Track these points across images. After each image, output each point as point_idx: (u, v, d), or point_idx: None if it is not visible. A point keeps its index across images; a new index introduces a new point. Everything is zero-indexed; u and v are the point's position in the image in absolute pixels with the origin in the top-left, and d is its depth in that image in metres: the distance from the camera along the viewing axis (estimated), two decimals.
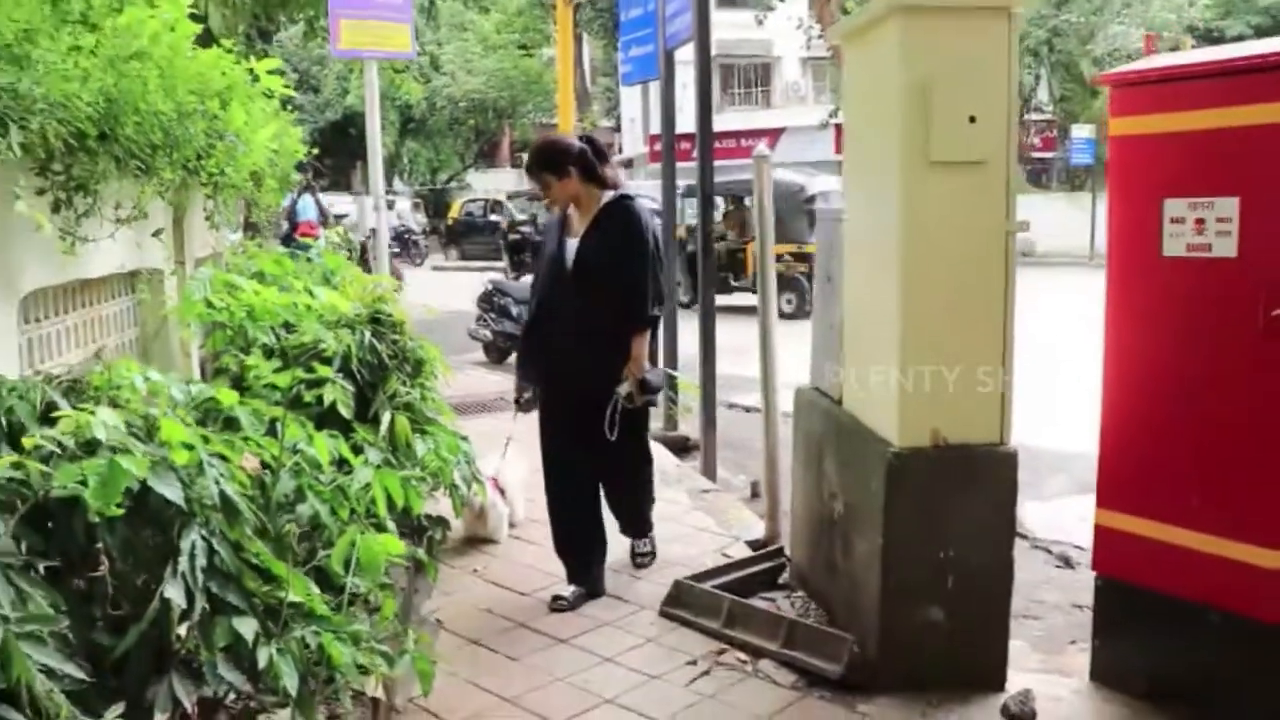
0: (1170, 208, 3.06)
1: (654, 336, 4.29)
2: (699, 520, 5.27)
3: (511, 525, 5.04)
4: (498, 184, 32.28)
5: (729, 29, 31.31)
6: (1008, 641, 3.41)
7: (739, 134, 25.62)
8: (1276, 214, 2.85)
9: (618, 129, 37.43)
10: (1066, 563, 5.11)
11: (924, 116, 3.12)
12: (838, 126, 27.95)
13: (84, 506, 2.28)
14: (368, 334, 4.50)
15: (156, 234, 3.76)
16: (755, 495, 6.24)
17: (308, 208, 12.08)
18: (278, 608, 2.64)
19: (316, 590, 2.71)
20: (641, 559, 4.57)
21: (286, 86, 4.24)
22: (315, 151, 6.45)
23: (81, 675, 2.09)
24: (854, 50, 3.61)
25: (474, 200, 27.36)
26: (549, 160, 3.99)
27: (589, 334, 4.05)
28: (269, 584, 2.66)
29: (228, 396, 2.94)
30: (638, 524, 4.61)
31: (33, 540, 2.24)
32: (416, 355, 4.68)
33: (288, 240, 10.90)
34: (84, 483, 2.23)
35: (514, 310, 11.00)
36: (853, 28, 3.59)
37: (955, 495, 3.28)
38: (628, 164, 39.21)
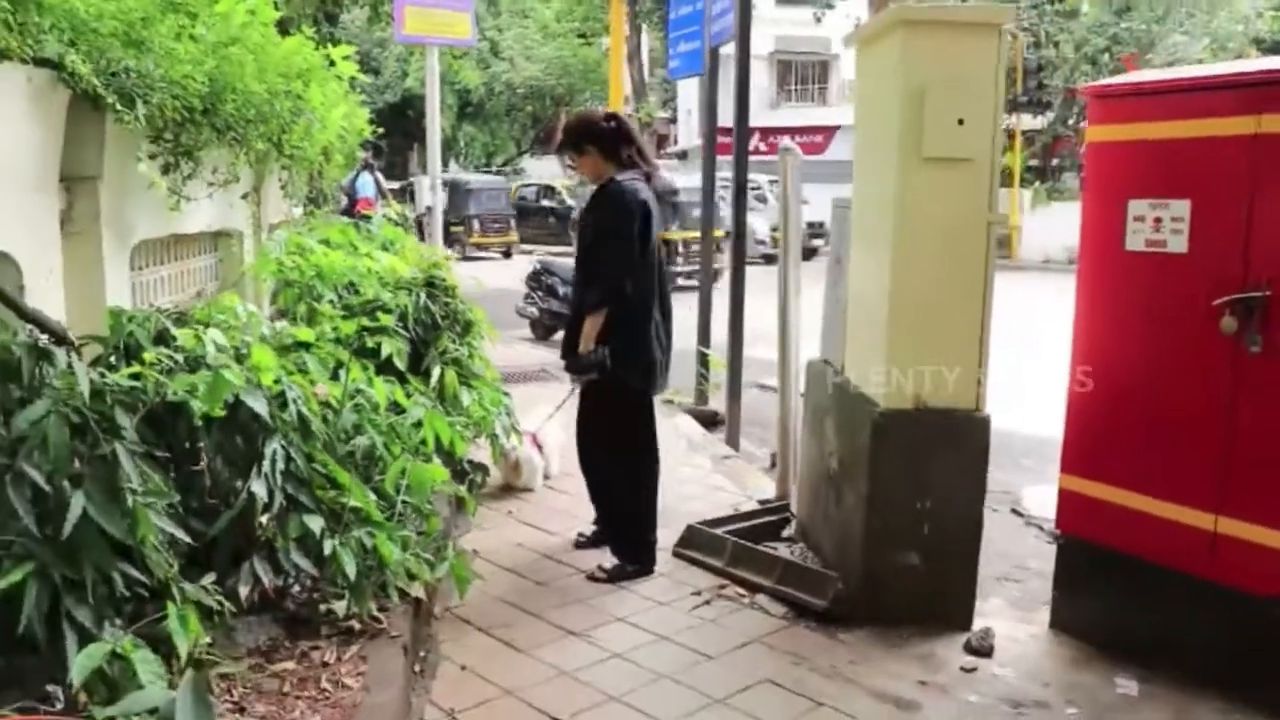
0: (1134, 207, 3.46)
1: (630, 322, 4.06)
2: (718, 481, 5.73)
3: (546, 478, 5.52)
4: (552, 170, 32.78)
5: (788, 25, 31.57)
6: (975, 585, 3.83)
7: (794, 130, 25.89)
8: (1219, 216, 3.24)
9: (674, 120, 37.84)
10: (1055, 539, 5.48)
11: (919, 117, 3.54)
12: None
13: (189, 412, 2.80)
14: (423, 295, 5.03)
15: (245, 196, 4.29)
16: (774, 465, 6.67)
17: (366, 185, 12.70)
18: (340, 511, 3.15)
19: (374, 498, 3.22)
20: (595, 572, 4.25)
21: (356, 72, 4.75)
22: (380, 131, 6.97)
23: (189, 539, 2.61)
24: (863, 57, 4.04)
25: (528, 185, 27.94)
26: (569, 136, 4.24)
27: (577, 314, 4.22)
28: (334, 491, 3.18)
29: (305, 334, 3.45)
30: (607, 528, 4.50)
31: (148, 436, 2.77)
32: (466, 317, 5.20)
33: (347, 214, 11.51)
34: (191, 392, 2.75)
35: (561, 290, 11.49)
36: (863, 36, 4.03)
37: (934, 453, 3.71)
38: (682, 155, 39.62)
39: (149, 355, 2.80)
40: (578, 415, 4.39)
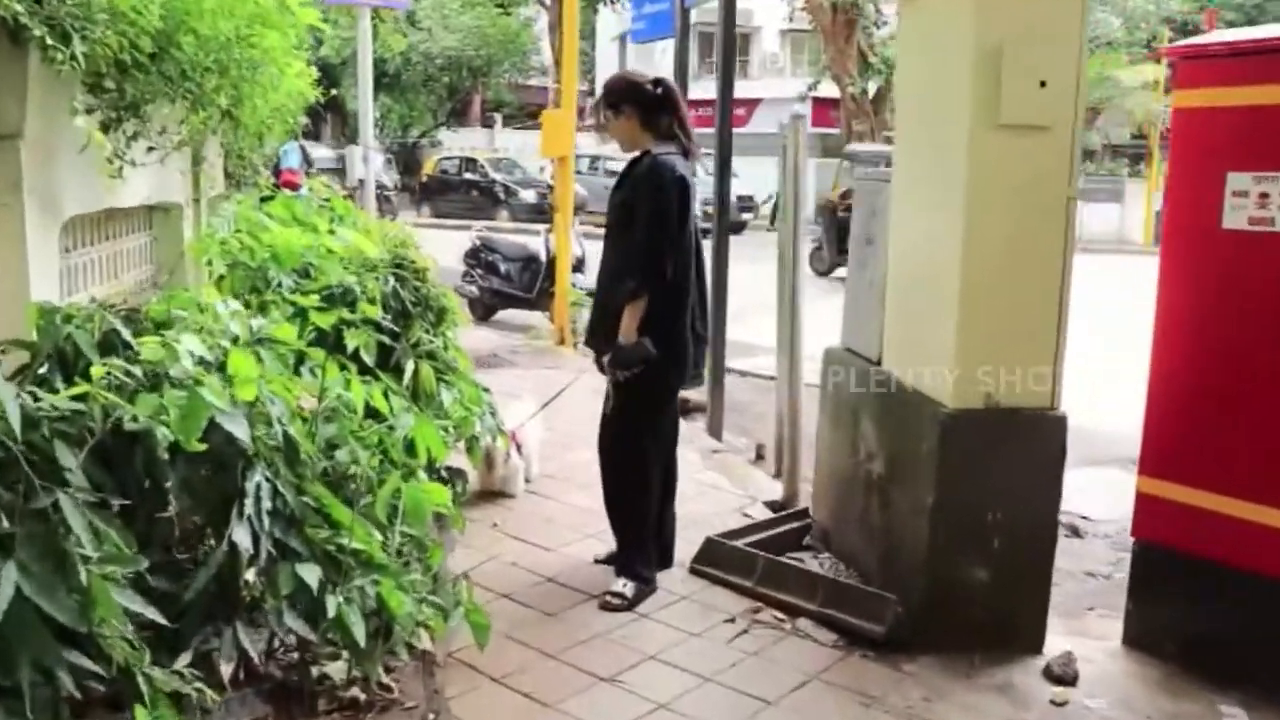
0: (1234, 181, 3.07)
1: (666, 310, 3.61)
2: (712, 479, 5.25)
3: (527, 481, 4.98)
4: (470, 142, 31.85)
5: None
6: (1048, 604, 3.44)
7: (714, 102, 25.38)
8: None
9: (591, 93, 37.07)
10: (1075, 532, 5.16)
11: (995, 78, 3.08)
12: (815, 99, 27.84)
13: (152, 442, 2.19)
14: (392, 280, 4.41)
15: (196, 163, 3.62)
16: (760, 457, 6.24)
17: (291, 155, 11.81)
18: (338, 555, 2.57)
19: (379, 537, 2.65)
20: (609, 599, 3.73)
21: (318, 20, 4.07)
22: (334, 93, 6.25)
23: (162, 620, 2.02)
24: (916, 11, 3.55)
25: (449, 158, 26.97)
26: (610, 94, 3.79)
27: (611, 299, 3.75)
28: (328, 529, 2.59)
29: (285, 331, 2.84)
30: (617, 541, 3.99)
31: (98, 477, 2.15)
32: (440, 303, 4.60)
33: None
34: (157, 417, 2.15)
35: (502, 266, 10.89)
36: None
37: (1006, 457, 3.29)
38: (600, 127, 38.83)
39: (97, 369, 2.18)
40: (605, 415, 3.86)
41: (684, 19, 6.76)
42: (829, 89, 26.83)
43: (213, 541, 2.39)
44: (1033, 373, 3.28)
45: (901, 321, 3.67)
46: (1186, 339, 3.26)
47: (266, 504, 2.35)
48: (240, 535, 2.25)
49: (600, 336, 3.83)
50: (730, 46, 5.99)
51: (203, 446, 2.14)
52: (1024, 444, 3.30)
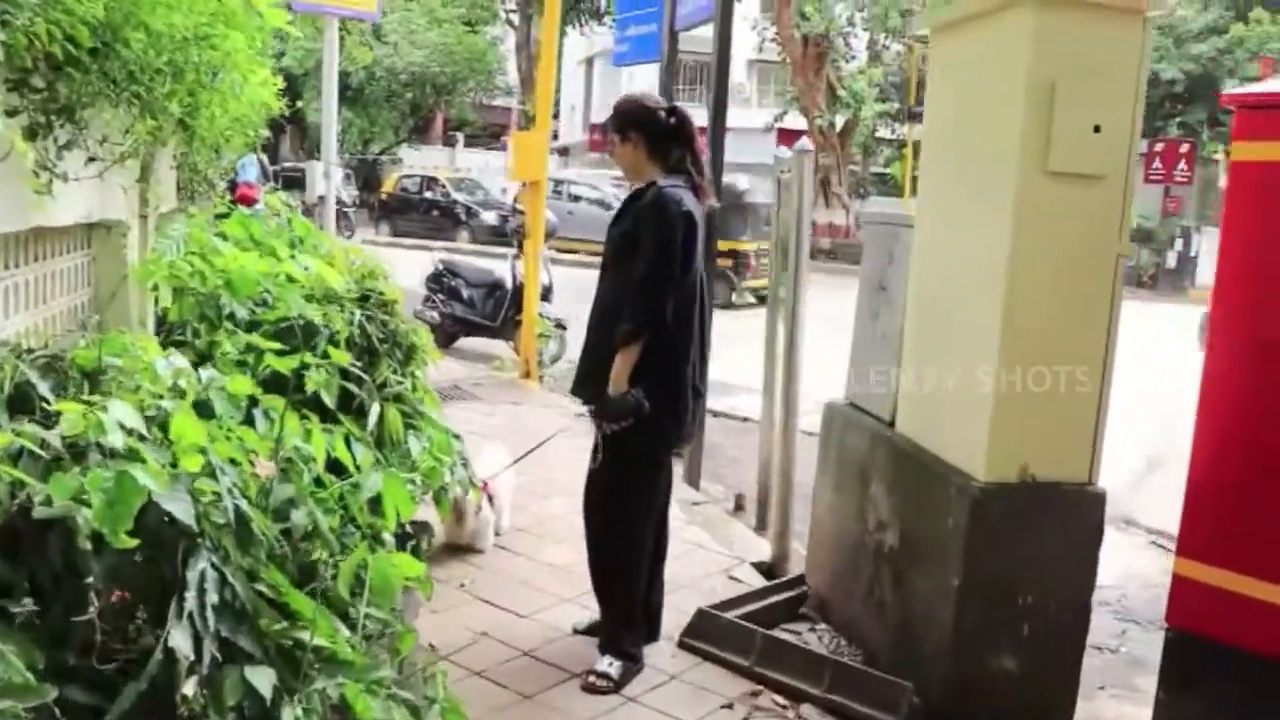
0: None
1: (664, 360, 3.30)
2: (695, 535, 4.90)
3: (497, 534, 4.59)
4: (431, 161, 31.39)
5: None
6: (1077, 693, 3.12)
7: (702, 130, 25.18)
8: None
9: (556, 115, 36.73)
10: (1165, 632, 4.87)
11: (1046, 121, 2.80)
12: (781, 130, 27.80)
13: (73, 529, 1.79)
14: (358, 314, 4.01)
15: (142, 178, 3.20)
16: (739, 508, 5.91)
17: (249, 168, 11.30)
18: (294, 652, 2.17)
19: (346, 632, 2.25)
20: (594, 681, 3.35)
21: (286, 23, 3.68)
22: (298, 105, 5.84)
23: None
24: (952, 42, 3.27)
25: (410, 175, 26.45)
26: (618, 116, 3.45)
27: (604, 342, 3.40)
28: (284, 620, 2.19)
29: (241, 385, 2.45)
30: (602, 611, 3.61)
31: (1, 571, 1.75)
32: (409, 340, 4.20)
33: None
34: (79, 500, 1.74)
35: (465, 292, 10.50)
36: (955, 16, 3.23)
37: (1040, 537, 2.99)
38: (564, 151, 38.59)
39: (3, 435, 1.78)
40: (591, 473, 3.50)
41: (672, 43, 6.44)
42: (795, 120, 26.83)
43: (147, 637, 1.98)
44: (1072, 444, 2.98)
45: (923, 380, 3.36)
46: (1242, 410, 2.97)
47: (212, 597, 1.94)
48: (179, 638, 1.84)
49: (590, 385, 3.47)
50: (724, 72, 5.69)
51: (133, 542, 1.74)
52: (1060, 521, 3.00)
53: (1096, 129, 2.79)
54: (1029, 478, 2.96)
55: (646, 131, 3.36)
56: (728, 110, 5.83)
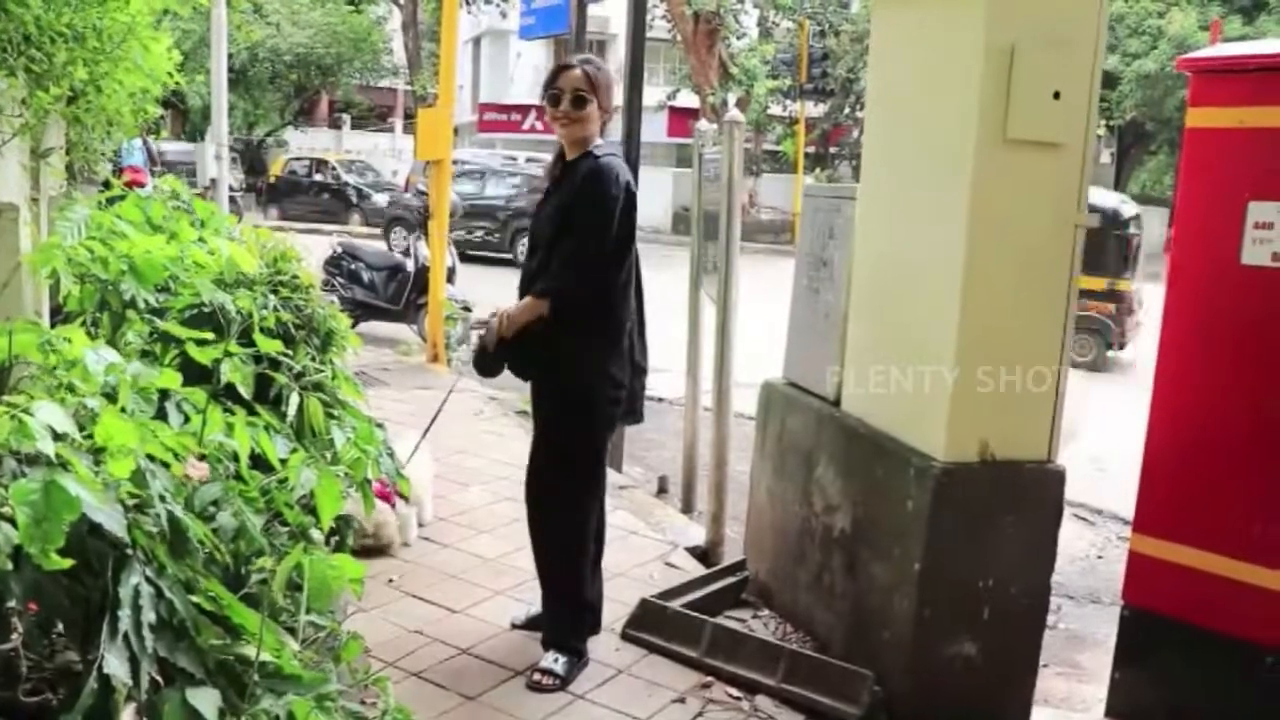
0: (1256, 211, 2.79)
1: (603, 339, 3.16)
2: (626, 521, 4.74)
3: (420, 525, 4.38)
4: (318, 143, 30.40)
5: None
6: (1036, 676, 3.09)
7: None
8: None
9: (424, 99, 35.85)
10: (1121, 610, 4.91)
11: (1004, 88, 2.72)
12: (672, 109, 27.71)
13: None
14: (272, 298, 3.74)
15: (45, 154, 2.89)
16: (663, 490, 5.82)
17: (134, 151, 10.65)
18: (235, 668, 1.96)
19: (294, 645, 2.04)
20: (539, 679, 3.18)
21: None
22: (192, 82, 5.45)
23: None
24: (901, 10, 3.16)
25: (299, 158, 25.56)
26: (596, 86, 3.17)
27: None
28: (226, 635, 1.98)
29: (168, 379, 2.20)
30: (546, 605, 3.40)
31: None
32: (327, 325, 3.95)
33: (108, 187, 9.53)
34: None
35: (365, 276, 10.14)
36: None
37: (1001, 518, 2.93)
38: (454, 131, 37.66)
39: None
40: (534, 463, 3.32)
41: (580, 15, 6.25)
42: (686, 99, 26.80)
43: (76, 664, 1.75)
44: (1031, 420, 2.94)
45: (870, 358, 3.27)
46: (1196, 385, 2.98)
47: (149, 614, 1.72)
48: (114, 663, 1.63)
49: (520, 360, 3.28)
50: (639, 47, 5.53)
51: (67, 562, 1.51)
52: (1022, 501, 2.94)
53: (1056, 95, 2.74)
54: (989, 456, 2.90)
55: (607, 100, 3.20)
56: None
